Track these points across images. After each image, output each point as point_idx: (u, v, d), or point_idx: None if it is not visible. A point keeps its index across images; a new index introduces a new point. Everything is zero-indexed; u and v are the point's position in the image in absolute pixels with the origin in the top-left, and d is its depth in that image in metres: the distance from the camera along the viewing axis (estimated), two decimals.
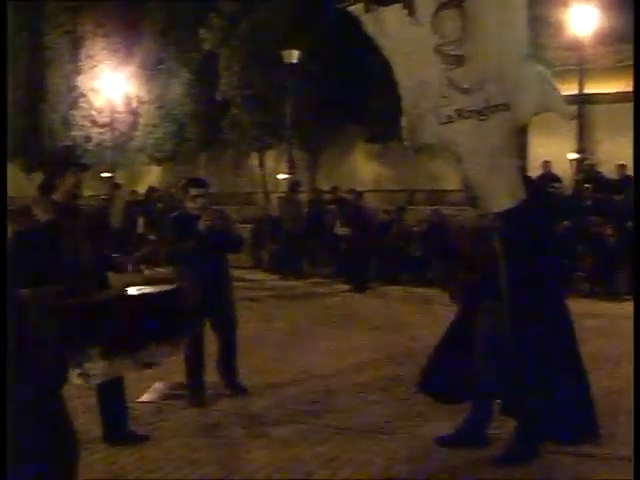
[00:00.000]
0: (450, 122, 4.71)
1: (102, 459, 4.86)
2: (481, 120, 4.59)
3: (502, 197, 4.61)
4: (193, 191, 6.20)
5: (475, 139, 4.64)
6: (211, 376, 6.38)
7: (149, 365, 4.44)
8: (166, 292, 4.78)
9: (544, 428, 4.61)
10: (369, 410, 5.96)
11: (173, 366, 6.45)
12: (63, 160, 4.86)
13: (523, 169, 4.88)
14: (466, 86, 4.63)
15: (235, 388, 6.34)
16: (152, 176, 23.44)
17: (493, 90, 4.56)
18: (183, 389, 6.34)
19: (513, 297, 4.59)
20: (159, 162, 23.00)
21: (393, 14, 4.73)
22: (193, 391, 6.17)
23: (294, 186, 16.14)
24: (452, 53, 4.59)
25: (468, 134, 4.65)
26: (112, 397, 5.10)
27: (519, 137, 4.67)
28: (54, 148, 23.16)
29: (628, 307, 10.27)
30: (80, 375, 4.11)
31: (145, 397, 6.34)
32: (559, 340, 4.63)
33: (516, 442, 4.72)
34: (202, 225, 5.98)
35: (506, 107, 4.52)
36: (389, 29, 4.76)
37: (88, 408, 5.37)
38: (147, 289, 4.75)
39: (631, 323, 5.09)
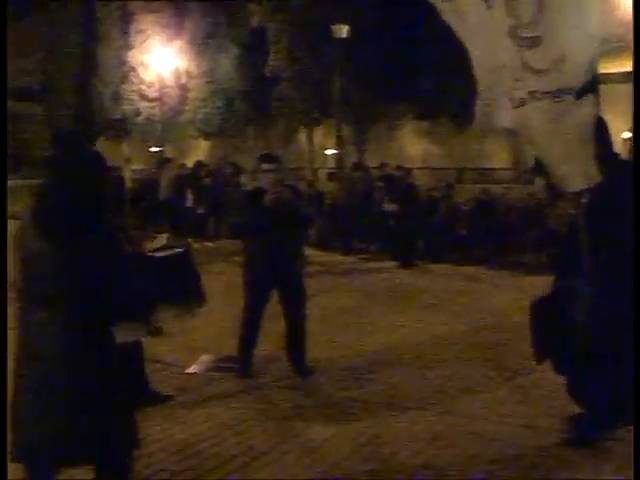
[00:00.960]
0: (524, 105, 4.67)
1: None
2: (555, 102, 4.54)
3: (576, 178, 4.56)
4: (264, 166, 6.22)
5: (549, 121, 4.59)
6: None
7: (159, 330, 4.52)
8: (170, 255, 4.78)
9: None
10: (419, 386, 5.95)
11: (221, 339, 6.55)
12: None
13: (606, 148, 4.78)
14: (540, 67, 4.58)
15: (300, 370, 6.24)
16: (200, 150, 23.59)
17: (567, 71, 4.49)
18: (230, 362, 6.42)
19: (596, 274, 4.53)
20: (207, 136, 23.15)
21: None
22: (241, 361, 6.25)
23: (356, 166, 16.15)
24: (526, 35, 4.54)
25: (542, 116, 4.61)
26: (130, 359, 5.16)
27: (593, 120, 4.59)
28: (105, 123, 23.46)
29: None
30: None
31: (192, 369, 6.41)
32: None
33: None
34: (268, 199, 5.99)
35: (580, 89, 4.46)
36: (464, 14, 4.72)
37: None
38: (156, 253, 4.75)
39: None
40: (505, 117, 4.76)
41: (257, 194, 6.16)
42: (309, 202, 16.36)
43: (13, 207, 3.92)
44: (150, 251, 4.73)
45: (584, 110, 4.54)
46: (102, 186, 3.40)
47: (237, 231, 6.44)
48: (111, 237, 3.39)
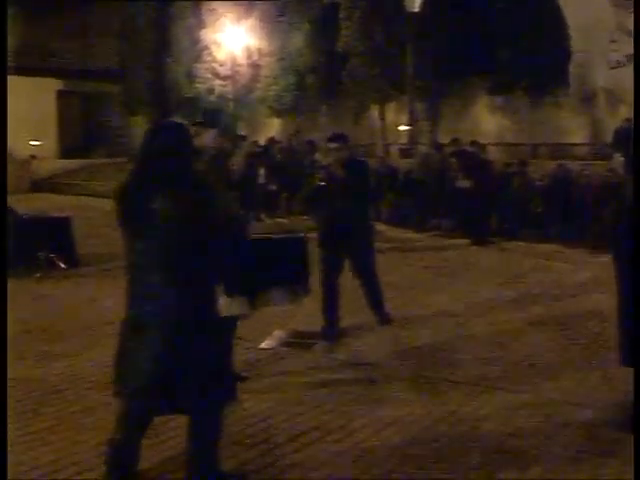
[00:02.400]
0: (620, 67, 4.51)
1: None
2: None
3: None
4: (331, 145, 6.55)
5: None
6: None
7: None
8: (287, 239, 4.86)
9: None
10: (489, 364, 5.89)
11: (295, 314, 6.60)
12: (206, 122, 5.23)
13: None
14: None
15: (381, 318, 6.75)
16: (272, 127, 23.70)
17: None
18: (303, 337, 6.51)
19: None
20: (279, 114, 23.23)
21: None
22: (325, 328, 6.53)
23: (437, 146, 16.18)
24: None
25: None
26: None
27: None
28: (179, 101, 23.77)
29: None
30: None
31: (265, 344, 6.47)
32: None
33: None
34: (328, 174, 6.39)
35: None
36: None
37: None
38: (270, 235, 4.85)
39: None
40: (601, 77, 4.61)
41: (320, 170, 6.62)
42: (378, 179, 16.34)
43: (102, 186, 4.08)
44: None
45: None
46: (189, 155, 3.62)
47: (304, 206, 6.83)
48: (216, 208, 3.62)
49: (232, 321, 5.06)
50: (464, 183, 13.30)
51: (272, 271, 4.54)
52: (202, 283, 3.52)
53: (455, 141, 15.10)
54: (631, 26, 3.81)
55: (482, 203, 12.91)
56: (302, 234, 5.09)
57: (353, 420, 4.70)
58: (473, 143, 14.20)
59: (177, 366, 3.45)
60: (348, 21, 19.64)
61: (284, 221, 15.29)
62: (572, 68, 3.81)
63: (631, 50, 3.81)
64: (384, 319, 6.78)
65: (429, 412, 4.83)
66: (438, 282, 9.36)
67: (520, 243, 12.35)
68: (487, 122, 19.41)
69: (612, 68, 3.74)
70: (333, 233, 6.49)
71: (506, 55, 16.53)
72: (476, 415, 4.80)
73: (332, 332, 6.56)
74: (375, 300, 6.77)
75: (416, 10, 16.83)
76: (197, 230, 3.43)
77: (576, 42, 3.87)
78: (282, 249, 4.70)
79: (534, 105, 17.08)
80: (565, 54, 13.61)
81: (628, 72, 3.83)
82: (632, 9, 3.85)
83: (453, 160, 14.27)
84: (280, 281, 4.71)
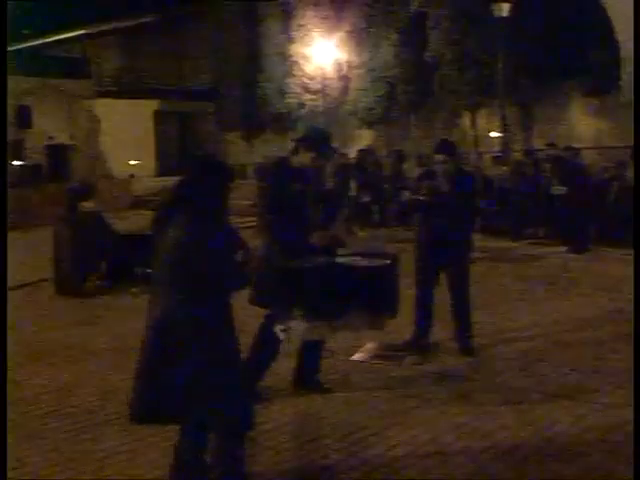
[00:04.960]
0: None
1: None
2: None
3: None
4: (438, 157, 6.37)
5: None
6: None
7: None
8: (374, 267, 4.84)
9: None
10: (563, 373, 5.79)
11: (390, 327, 6.57)
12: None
13: None
14: None
15: (462, 347, 6.44)
16: (363, 139, 23.73)
17: None
18: (394, 350, 6.47)
19: None
20: (370, 125, 23.24)
21: None
22: (417, 349, 6.44)
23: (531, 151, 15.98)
24: None
25: None
26: (311, 346, 5.31)
27: None
28: (271, 116, 24.10)
29: None
30: (283, 331, 4.35)
31: (357, 356, 6.46)
32: None
33: None
34: (431, 188, 6.26)
35: None
36: None
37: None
38: (357, 260, 4.85)
39: None
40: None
41: (428, 177, 6.45)
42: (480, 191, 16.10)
43: None
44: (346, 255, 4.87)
45: None
46: (222, 189, 3.66)
47: (406, 216, 6.75)
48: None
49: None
50: (559, 189, 12.96)
51: (355, 295, 4.54)
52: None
53: (551, 146, 14.71)
54: None
55: (579, 209, 12.54)
56: (389, 260, 5.03)
57: (445, 434, 4.64)
58: (567, 148, 13.82)
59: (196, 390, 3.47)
60: (436, 29, 19.50)
61: (377, 233, 15.25)
62: (624, 75, 3.61)
63: None
64: (464, 348, 6.45)
65: (517, 423, 4.73)
66: (533, 292, 9.13)
67: (621, 251, 11.92)
68: (583, 125, 18.88)
69: None
70: (432, 247, 6.36)
71: (597, 57, 16.07)
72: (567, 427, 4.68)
73: (423, 344, 6.50)
74: (460, 326, 6.52)
75: (505, 15, 16.52)
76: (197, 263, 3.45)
77: (626, 47, 3.62)
78: (368, 275, 4.67)
79: (629, 106, 16.51)
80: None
81: None
82: None
83: (548, 166, 13.93)
84: (361, 306, 4.71)
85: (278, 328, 4.36)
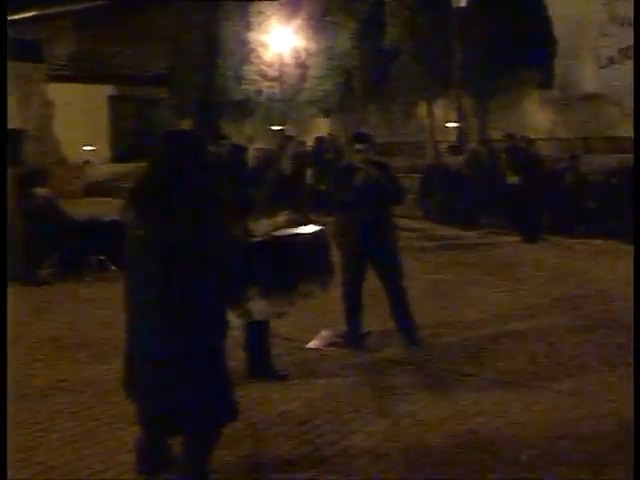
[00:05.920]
0: (612, 64, 4.21)
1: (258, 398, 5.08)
2: None
3: None
4: (357, 145, 6.34)
5: None
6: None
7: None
8: (312, 233, 4.92)
9: None
10: (528, 361, 5.87)
11: (339, 314, 6.59)
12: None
13: None
14: (632, 17, 4.12)
15: (409, 340, 6.36)
16: (321, 127, 23.70)
17: None
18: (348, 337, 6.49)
19: None
20: (327, 113, 23.22)
21: None
22: (349, 332, 6.41)
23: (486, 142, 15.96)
24: None
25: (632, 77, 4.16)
26: (258, 333, 5.32)
27: None
28: (227, 103, 23.94)
29: None
30: (241, 315, 4.34)
31: (312, 344, 6.47)
32: None
33: None
34: (358, 177, 6.19)
35: None
36: None
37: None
38: (295, 230, 4.89)
39: None
40: (590, 79, 4.31)
41: (347, 171, 6.38)
42: (429, 176, 16.19)
43: None
44: (275, 229, 4.87)
45: None
46: (196, 168, 3.39)
47: (334, 209, 6.60)
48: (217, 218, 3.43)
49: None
50: (513, 179, 13.12)
51: (301, 266, 4.58)
52: (201, 306, 3.37)
53: (509, 136, 14.81)
54: (627, 14, 3.61)
55: (532, 200, 12.71)
56: (319, 226, 5.13)
57: (397, 419, 4.67)
58: (522, 138, 13.98)
59: (175, 392, 3.38)
60: (395, 18, 19.52)
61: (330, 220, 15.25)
62: (559, 70, 3.62)
63: (626, 42, 3.57)
64: (410, 338, 6.36)
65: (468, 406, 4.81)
66: (485, 281, 9.23)
67: (573, 240, 12.13)
68: (538, 116, 19.08)
69: (602, 67, 3.52)
70: (357, 236, 6.25)
71: (551, 49, 16.23)
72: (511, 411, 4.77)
73: (355, 338, 6.43)
74: (402, 317, 6.41)
75: (463, 5, 16.64)
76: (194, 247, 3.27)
77: (563, 39, 3.63)
78: (308, 242, 4.74)
79: (584, 98, 16.76)
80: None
81: (620, 70, 3.61)
82: None
83: (503, 156, 14.09)
84: (309, 272, 4.76)
85: (233, 315, 4.32)
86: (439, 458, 4.15)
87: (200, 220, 3.27)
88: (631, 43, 3.80)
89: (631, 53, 3.83)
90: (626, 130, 15.29)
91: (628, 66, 3.78)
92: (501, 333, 6.69)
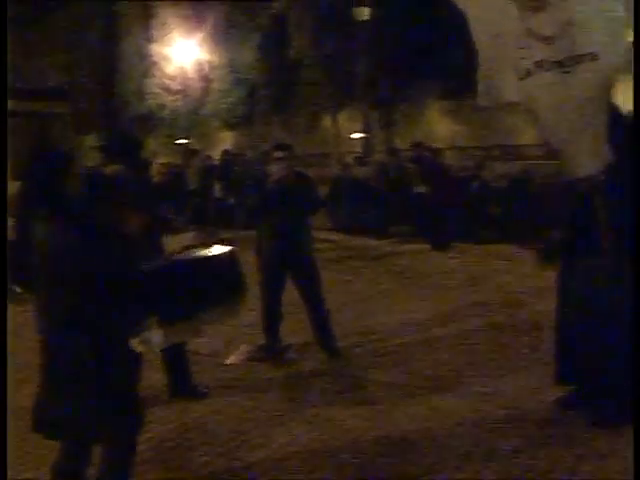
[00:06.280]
0: (529, 76, 4.32)
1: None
2: (564, 73, 4.19)
3: (587, 160, 4.24)
4: (277, 153, 6.35)
5: (557, 94, 4.22)
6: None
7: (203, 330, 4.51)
8: (218, 255, 4.72)
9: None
10: (437, 367, 5.95)
11: (257, 328, 6.49)
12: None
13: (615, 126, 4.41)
14: (547, 34, 4.22)
15: (327, 350, 6.34)
16: (226, 141, 23.58)
17: (578, 37, 4.14)
18: (266, 352, 6.40)
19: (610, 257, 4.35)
20: (232, 127, 23.13)
21: None
22: (268, 345, 6.36)
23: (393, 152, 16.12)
24: None
25: (549, 89, 4.24)
26: (175, 352, 5.17)
27: (609, 92, 4.19)
28: (129, 117, 23.50)
29: None
30: (141, 343, 4.15)
31: (231, 359, 6.36)
32: None
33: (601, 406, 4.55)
34: (270, 185, 6.22)
35: (594, 57, 4.09)
36: None
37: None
38: (200, 252, 4.70)
39: None
40: (509, 90, 4.42)
41: (265, 180, 6.42)
42: (337, 187, 16.25)
43: None
44: (183, 250, 4.69)
45: (597, 82, 4.12)
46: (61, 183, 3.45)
47: (251, 215, 6.61)
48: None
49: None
50: (421, 188, 13.31)
51: (206, 290, 4.40)
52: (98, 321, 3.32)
53: (417, 145, 14.99)
54: (542, 30, 3.71)
55: (440, 208, 12.92)
56: (227, 246, 4.94)
57: (321, 430, 4.62)
58: (429, 148, 14.22)
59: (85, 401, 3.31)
60: (299, 31, 19.63)
61: (243, 234, 15.11)
62: (480, 80, 3.73)
63: (541, 56, 3.67)
64: (329, 348, 6.34)
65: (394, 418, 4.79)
66: (399, 289, 9.29)
67: (480, 246, 12.37)
68: (441, 126, 19.52)
69: (521, 79, 3.61)
70: (275, 246, 6.24)
71: (453, 61, 16.60)
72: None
73: (275, 351, 6.39)
74: (320, 328, 6.37)
75: (366, 18, 16.88)
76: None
77: (483, 51, 3.75)
78: (211, 266, 4.55)
79: (484, 108, 17.18)
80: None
81: (537, 81, 3.74)
82: (542, 12, 3.74)
83: (410, 166, 14.28)
84: (214, 297, 4.57)
85: (133, 341, 4.13)
86: (364, 461, 4.15)
87: (82, 239, 3.22)
88: (545, 57, 3.89)
89: (548, 66, 3.91)
90: (530, 139, 15.80)
91: (544, 78, 3.89)
92: (419, 340, 6.74)
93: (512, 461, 4.12)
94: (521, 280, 9.36)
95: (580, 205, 4.51)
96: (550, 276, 8.80)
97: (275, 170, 6.32)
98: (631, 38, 4.07)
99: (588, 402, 4.65)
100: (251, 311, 7.07)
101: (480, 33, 4.41)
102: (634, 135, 4.23)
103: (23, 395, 5.06)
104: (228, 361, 6.31)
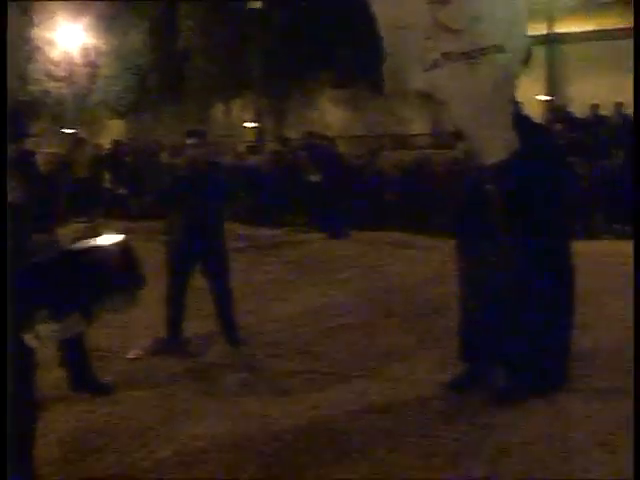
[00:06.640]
0: (436, 67, 4.42)
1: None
2: (471, 64, 4.31)
3: (494, 147, 4.37)
4: (189, 140, 6.27)
5: (464, 85, 4.33)
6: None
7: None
8: (110, 245, 4.63)
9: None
10: (339, 353, 6.04)
11: (157, 322, 6.39)
12: None
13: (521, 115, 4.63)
14: (454, 26, 4.34)
15: (230, 339, 6.34)
16: (115, 130, 22.99)
17: (485, 30, 4.27)
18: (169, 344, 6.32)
19: (513, 245, 4.52)
20: (121, 115, 22.55)
21: None
22: (171, 337, 6.28)
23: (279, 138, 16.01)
24: None
25: (456, 80, 4.36)
26: (73, 347, 5.09)
27: (513, 82, 4.37)
28: (12, 105, 22.54)
29: (605, 246, 10.43)
30: (34, 337, 4.03)
31: (133, 353, 6.24)
32: (558, 287, 4.65)
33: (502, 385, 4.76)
34: (181, 171, 6.22)
35: (499, 49, 4.24)
36: None
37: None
38: (90, 242, 4.59)
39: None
40: (415, 80, 4.51)
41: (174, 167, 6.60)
42: (230, 177, 16.13)
43: None
44: (74, 241, 4.55)
45: (502, 72, 4.28)
46: None
47: (158, 204, 6.48)
48: None
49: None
50: (315, 177, 13.38)
51: (99, 280, 4.31)
52: None
53: (309, 134, 15.07)
54: (449, 23, 3.78)
55: (334, 196, 13.03)
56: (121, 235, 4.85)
57: (235, 423, 4.61)
58: (322, 136, 14.31)
59: None
60: (189, 19, 19.32)
61: (134, 225, 14.81)
62: (385, 70, 3.79)
63: (448, 48, 3.75)
64: (232, 339, 6.36)
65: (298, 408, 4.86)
66: (296, 279, 9.30)
67: (375, 233, 12.56)
68: (332, 115, 19.67)
69: (427, 70, 3.69)
70: (185, 236, 6.15)
71: (345, 50, 16.77)
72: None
73: (178, 343, 6.33)
74: (223, 316, 6.40)
75: (258, 6, 16.80)
76: None
77: (389, 41, 3.82)
78: (104, 255, 4.46)
79: (377, 97, 17.46)
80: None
81: (444, 72, 3.82)
82: (449, 4, 3.82)
83: (304, 154, 14.33)
84: (111, 288, 4.48)
85: (27, 337, 4.01)
86: (281, 449, 4.19)
87: None
88: (453, 49, 3.94)
89: (455, 57, 3.97)
90: (420, 127, 16.11)
91: (452, 69, 3.95)
92: (320, 329, 6.79)
93: (420, 442, 4.23)
94: (413, 268, 9.57)
95: (477, 191, 4.68)
96: (445, 262, 9.11)
97: (188, 156, 6.24)
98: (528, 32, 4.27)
99: (484, 380, 4.85)
100: (152, 303, 7.04)
101: (387, 22, 4.47)
102: (634, 135, 4.44)
103: None
104: (130, 355, 6.19)
